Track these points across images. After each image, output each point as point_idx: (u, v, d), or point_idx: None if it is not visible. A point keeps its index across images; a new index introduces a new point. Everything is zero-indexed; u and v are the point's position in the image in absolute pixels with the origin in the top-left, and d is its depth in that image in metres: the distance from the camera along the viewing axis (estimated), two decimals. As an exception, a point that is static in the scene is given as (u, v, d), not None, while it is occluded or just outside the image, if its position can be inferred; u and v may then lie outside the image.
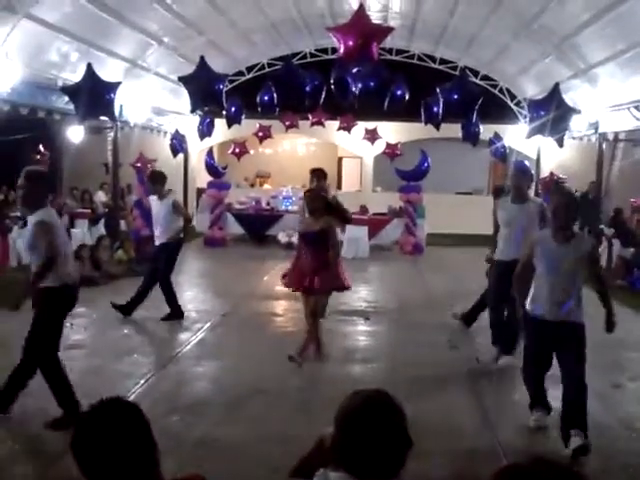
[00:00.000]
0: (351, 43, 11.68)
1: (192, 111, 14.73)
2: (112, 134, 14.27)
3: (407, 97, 13.42)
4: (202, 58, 12.97)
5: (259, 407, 5.95)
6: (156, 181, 9.39)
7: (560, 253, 5.31)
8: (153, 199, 9.49)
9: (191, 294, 11.25)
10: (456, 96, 13.01)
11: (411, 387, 6.32)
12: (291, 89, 12.79)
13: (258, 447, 5.07)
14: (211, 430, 5.43)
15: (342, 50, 12.03)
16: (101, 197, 18.11)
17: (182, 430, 5.35)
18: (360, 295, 11.16)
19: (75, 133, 15.97)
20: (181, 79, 13.25)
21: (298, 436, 4.60)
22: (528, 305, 5.48)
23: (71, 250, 5.84)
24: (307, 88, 12.69)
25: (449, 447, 5.20)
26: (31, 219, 5.36)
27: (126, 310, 9.23)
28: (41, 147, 17.14)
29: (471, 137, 15.30)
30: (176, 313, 9.20)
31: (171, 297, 9.23)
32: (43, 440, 5.18)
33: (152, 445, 2.08)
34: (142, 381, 6.55)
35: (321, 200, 7.44)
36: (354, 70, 12.09)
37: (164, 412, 5.60)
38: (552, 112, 12.56)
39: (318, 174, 8.93)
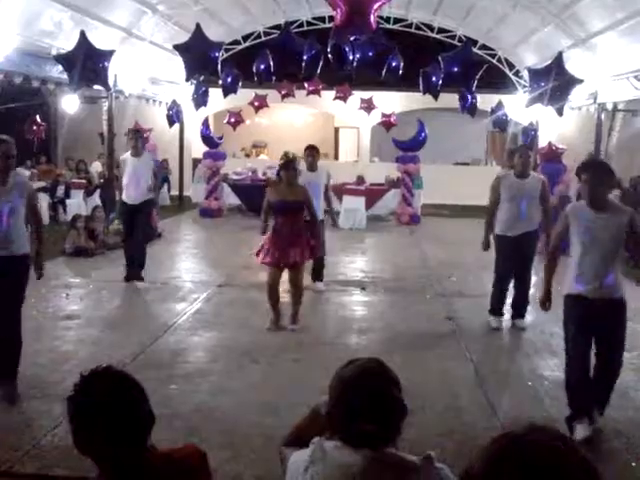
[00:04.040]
0: (346, 9, 11.53)
1: (187, 80, 14.56)
2: (107, 104, 14.12)
3: (404, 67, 13.24)
4: (198, 26, 12.77)
5: (254, 377, 5.97)
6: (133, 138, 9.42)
7: (599, 223, 4.93)
8: (128, 157, 9.45)
9: (187, 264, 11.25)
10: (458, 65, 12.81)
11: (407, 357, 6.33)
12: (288, 57, 12.56)
13: (253, 416, 5.08)
14: (207, 399, 5.44)
15: (338, 17, 11.87)
16: (97, 167, 18.01)
17: (178, 399, 5.36)
18: (357, 265, 11.16)
19: (70, 103, 15.82)
20: (176, 47, 13.07)
21: (293, 405, 4.61)
22: (569, 284, 5.01)
23: None
24: (304, 56, 12.49)
25: (444, 416, 5.23)
26: None
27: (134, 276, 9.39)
28: (37, 117, 17.03)
29: (468, 108, 15.15)
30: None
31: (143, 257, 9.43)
32: (35, 412, 5.18)
33: (146, 416, 2.05)
34: (138, 351, 6.56)
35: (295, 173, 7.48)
36: (352, 39, 11.92)
37: (160, 381, 5.61)
38: (553, 81, 12.43)
39: (312, 152, 9.11)
